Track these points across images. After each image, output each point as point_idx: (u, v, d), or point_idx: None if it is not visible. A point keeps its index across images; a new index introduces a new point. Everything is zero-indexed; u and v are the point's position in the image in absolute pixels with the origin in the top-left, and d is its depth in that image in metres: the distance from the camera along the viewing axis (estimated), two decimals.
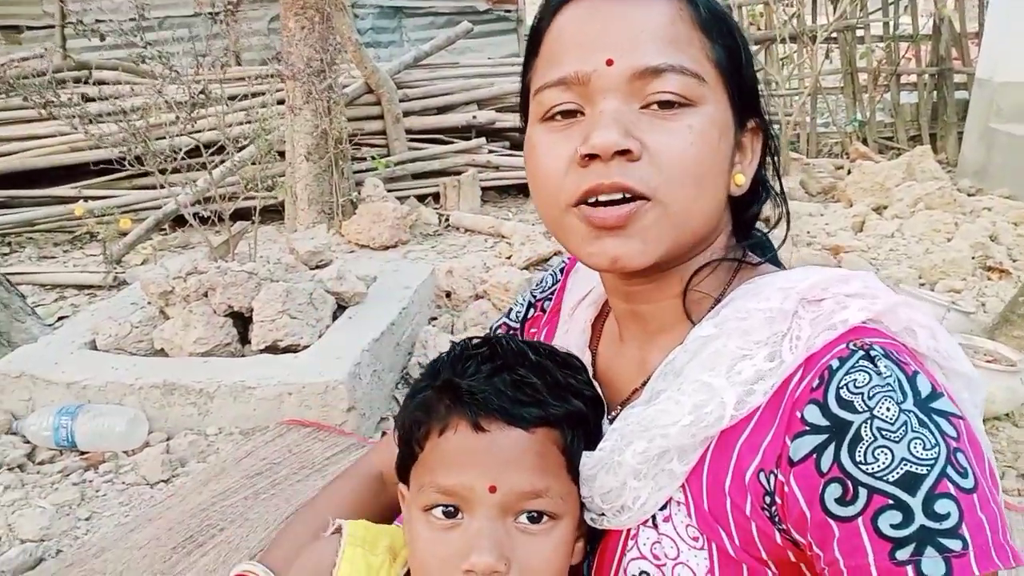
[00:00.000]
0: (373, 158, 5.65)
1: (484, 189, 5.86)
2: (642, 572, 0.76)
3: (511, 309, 1.11)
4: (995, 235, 4.54)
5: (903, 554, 0.61)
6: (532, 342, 0.89)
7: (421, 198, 5.74)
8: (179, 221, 4.77)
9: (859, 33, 7.33)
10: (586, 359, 0.93)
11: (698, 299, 0.80)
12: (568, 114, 0.76)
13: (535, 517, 0.77)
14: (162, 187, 3.51)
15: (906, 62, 7.51)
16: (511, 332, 1.07)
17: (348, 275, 3.19)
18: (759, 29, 7.50)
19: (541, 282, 1.10)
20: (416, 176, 5.87)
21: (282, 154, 5.15)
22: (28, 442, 2.65)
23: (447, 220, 5.38)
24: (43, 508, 2.27)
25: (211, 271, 2.97)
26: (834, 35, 7.12)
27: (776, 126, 6.84)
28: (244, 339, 3.00)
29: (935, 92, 7.21)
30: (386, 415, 2.83)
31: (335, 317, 3.09)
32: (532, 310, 1.08)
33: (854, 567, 0.63)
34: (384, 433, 2.60)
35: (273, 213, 5.34)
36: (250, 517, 2.16)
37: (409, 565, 0.84)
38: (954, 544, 0.61)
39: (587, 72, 0.73)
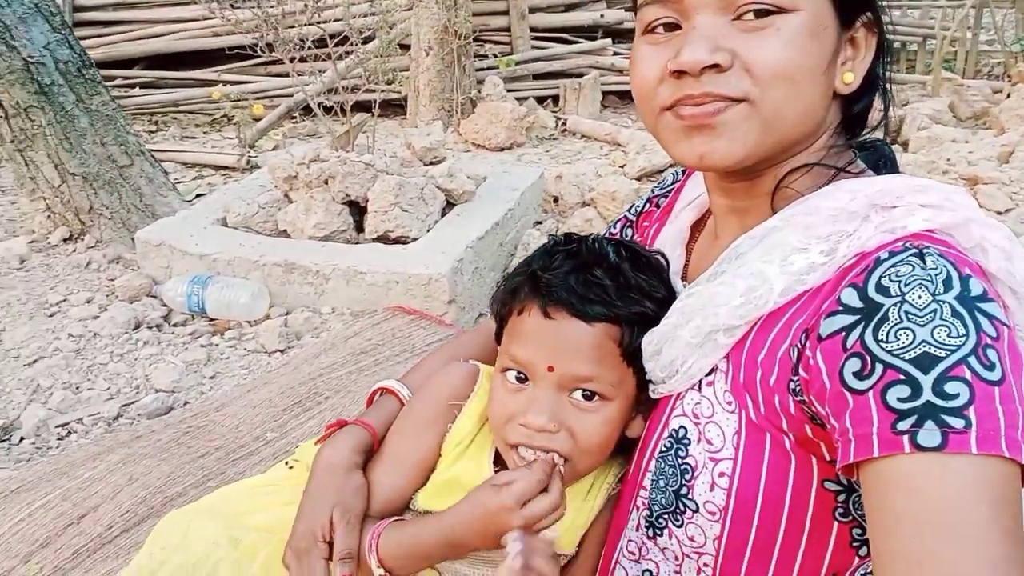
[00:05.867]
0: (495, 56, 5.62)
1: (605, 93, 5.74)
2: (681, 427, 0.83)
3: (632, 205, 1.19)
4: None
5: (903, 425, 0.62)
6: (618, 243, 0.97)
7: (540, 99, 5.70)
8: (308, 110, 4.96)
9: None
10: (678, 256, 0.99)
11: (788, 197, 0.82)
12: (671, 27, 0.78)
13: (588, 395, 0.90)
14: (292, 75, 3.65)
15: None
16: (629, 224, 1.16)
17: (459, 173, 3.27)
18: None
19: (662, 180, 1.16)
20: (537, 76, 5.81)
21: (407, 47, 5.20)
22: (165, 305, 2.93)
23: (564, 124, 5.33)
24: (175, 364, 2.53)
25: (331, 160, 3.12)
26: None
27: (931, 41, 6.30)
28: (359, 227, 3.15)
29: None
30: (484, 311, 2.94)
31: (444, 213, 3.19)
32: (648, 205, 1.15)
33: (859, 436, 0.65)
34: None
35: (397, 108, 5.45)
36: (352, 390, 2.34)
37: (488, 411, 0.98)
38: (956, 422, 0.61)
39: None
